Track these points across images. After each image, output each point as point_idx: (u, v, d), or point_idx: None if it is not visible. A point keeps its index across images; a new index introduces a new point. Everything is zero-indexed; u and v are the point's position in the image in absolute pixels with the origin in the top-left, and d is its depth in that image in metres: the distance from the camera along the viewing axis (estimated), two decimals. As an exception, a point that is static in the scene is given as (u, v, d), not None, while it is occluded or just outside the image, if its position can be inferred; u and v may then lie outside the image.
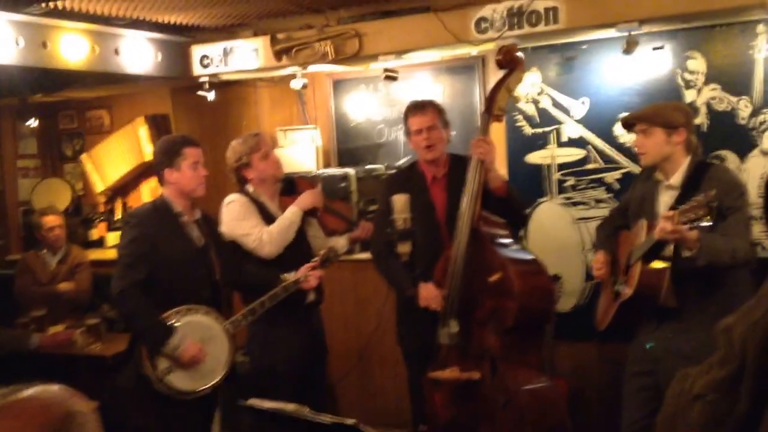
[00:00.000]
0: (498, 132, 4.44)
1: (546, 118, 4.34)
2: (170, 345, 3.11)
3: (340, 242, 3.79)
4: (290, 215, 3.61)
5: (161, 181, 3.34)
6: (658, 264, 2.88)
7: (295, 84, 4.69)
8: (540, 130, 4.36)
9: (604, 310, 3.22)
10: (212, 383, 3.25)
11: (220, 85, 4.95)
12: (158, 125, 5.49)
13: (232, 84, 5.11)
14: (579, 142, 4.26)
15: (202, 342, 3.20)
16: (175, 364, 3.15)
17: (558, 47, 4.25)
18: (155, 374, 3.15)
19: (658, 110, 3.07)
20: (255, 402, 2.15)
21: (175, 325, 3.15)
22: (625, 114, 3.27)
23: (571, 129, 4.28)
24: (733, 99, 3.87)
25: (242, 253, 3.57)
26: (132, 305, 3.14)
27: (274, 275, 3.45)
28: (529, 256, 3.35)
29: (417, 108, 3.49)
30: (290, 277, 3.44)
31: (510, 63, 3.29)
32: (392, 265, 3.49)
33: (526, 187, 4.26)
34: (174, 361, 3.15)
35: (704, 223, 2.55)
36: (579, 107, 4.26)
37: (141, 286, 3.14)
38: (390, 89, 4.92)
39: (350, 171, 4.74)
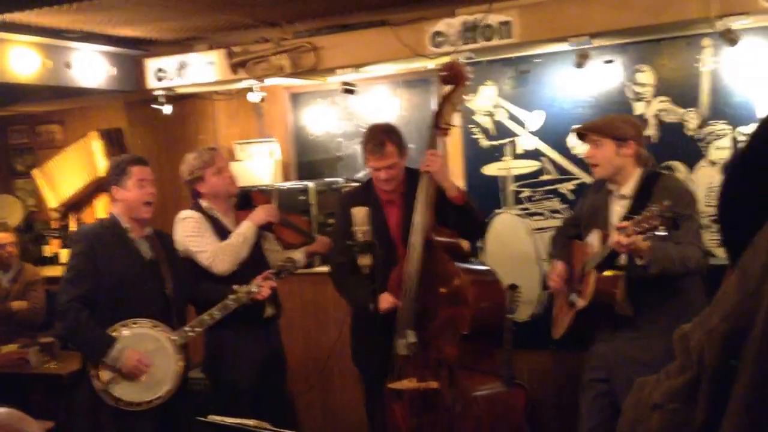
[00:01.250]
0: (455, 144, 4.47)
1: (502, 131, 4.37)
2: (111, 356, 3.13)
3: (297, 255, 3.77)
4: (244, 230, 3.58)
5: (111, 199, 3.38)
6: (611, 273, 2.89)
7: (253, 97, 4.68)
8: (496, 142, 4.39)
9: (560, 320, 3.25)
10: (160, 394, 3.24)
11: (175, 98, 4.91)
12: (112, 139, 5.42)
13: (188, 97, 5.08)
14: (534, 154, 4.30)
15: (146, 353, 3.19)
16: (118, 375, 3.16)
17: (512, 61, 4.29)
18: (101, 386, 3.16)
19: (609, 122, 3.11)
20: (214, 418, 2.09)
21: (117, 336, 3.17)
22: (578, 126, 3.27)
23: (527, 141, 4.31)
24: (681, 111, 3.94)
25: (197, 270, 3.54)
26: (73, 319, 3.14)
27: (226, 287, 3.42)
28: (483, 268, 3.39)
29: (376, 148, 3.41)
30: (243, 288, 3.41)
31: (454, 78, 3.32)
32: (351, 280, 3.46)
33: (483, 198, 4.27)
34: (116, 371, 3.15)
35: (659, 233, 2.56)
36: (534, 119, 4.29)
37: (85, 300, 3.15)
38: (348, 102, 4.92)
39: (310, 184, 4.73)
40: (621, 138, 3.01)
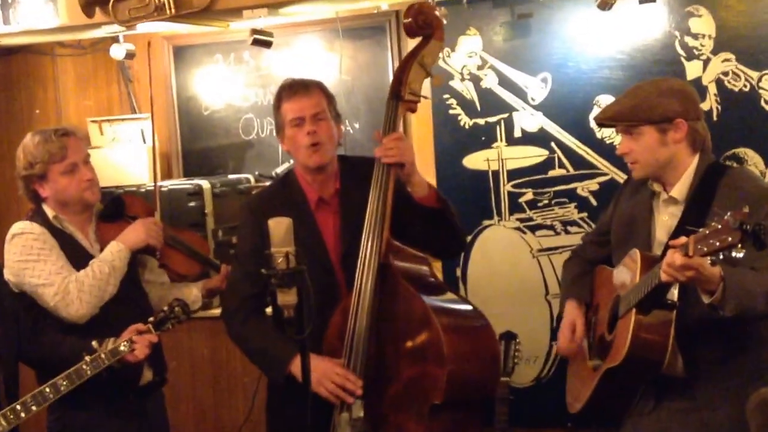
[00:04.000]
0: (422, 123, 4.47)
1: (491, 104, 4.39)
2: None
3: (193, 292, 3.74)
4: (111, 256, 3.54)
5: None
6: (657, 315, 2.90)
7: (116, 52, 4.63)
8: (482, 120, 4.41)
9: (580, 385, 3.24)
10: None
11: (-1, 53, 4.86)
12: None
13: (17, 52, 5.04)
14: (538, 138, 4.32)
15: None
16: None
17: (506, 1, 4.31)
18: None
19: (640, 102, 3.09)
20: None
21: None
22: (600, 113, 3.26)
23: (527, 119, 4.33)
24: (755, 75, 3.98)
25: (37, 313, 3.49)
26: None
27: (82, 343, 3.35)
28: (463, 306, 3.35)
29: (297, 87, 3.45)
30: (107, 344, 3.33)
31: (424, 27, 3.30)
32: (262, 334, 3.43)
33: (464, 203, 4.27)
34: None
35: (735, 254, 2.55)
36: (538, 88, 4.30)
37: None
38: (261, 61, 4.92)
39: (203, 183, 4.70)
40: (665, 119, 3.02)
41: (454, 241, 3.46)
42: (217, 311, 4.38)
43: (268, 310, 3.00)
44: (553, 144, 4.30)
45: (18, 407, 3.19)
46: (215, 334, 4.71)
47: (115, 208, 3.75)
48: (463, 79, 4.41)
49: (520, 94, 4.35)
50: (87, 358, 3.26)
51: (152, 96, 4.28)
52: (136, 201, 3.90)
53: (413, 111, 3.39)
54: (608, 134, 4.15)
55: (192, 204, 4.62)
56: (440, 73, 4.31)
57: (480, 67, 4.39)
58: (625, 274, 3.05)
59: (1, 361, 3.26)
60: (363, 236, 3.23)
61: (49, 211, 3.56)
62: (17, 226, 3.56)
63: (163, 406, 3.80)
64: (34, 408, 3.21)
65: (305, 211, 3.44)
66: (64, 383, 3.24)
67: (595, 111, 4.16)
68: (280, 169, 4.80)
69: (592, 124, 4.21)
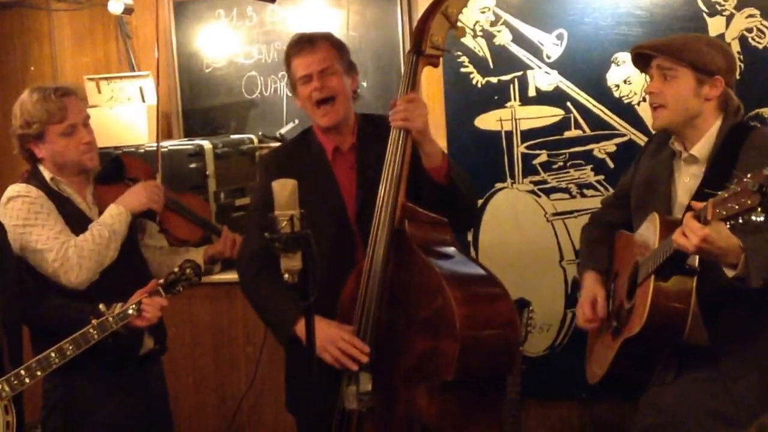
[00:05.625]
0: (433, 82, 4.45)
1: (504, 62, 4.36)
2: None
3: (196, 257, 3.71)
4: (111, 220, 3.55)
5: None
6: (678, 281, 2.88)
7: (114, 7, 4.62)
8: (495, 79, 4.38)
9: (598, 354, 3.24)
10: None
11: (-10, 7, 4.88)
12: None
13: (12, 6, 5.03)
14: (553, 98, 4.31)
15: None
16: None
17: (521, -50, 4.30)
18: None
19: (690, 44, 3.10)
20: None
21: None
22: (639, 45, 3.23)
23: (542, 77, 4.32)
24: (780, 31, 3.96)
25: (36, 278, 3.50)
26: None
27: (85, 306, 3.38)
28: (481, 273, 3.30)
29: (303, 43, 3.44)
30: (114, 308, 3.34)
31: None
32: (270, 292, 3.42)
33: (476, 165, 4.28)
34: None
35: (755, 218, 2.53)
36: (553, 44, 4.29)
37: None
38: (265, 16, 4.90)
39: (204, 144, 4.67)
40: (706, 70, 3.01)
41: (459, 218, 3.42)
42: (219, 276, 4.42)
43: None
44: (568, 103, 4.28)
45: (22, 372, 3.21)
46: (216, 300, 4.74)
47: (114, 169, 3.76)
48: (475, 36, 4.39)
49: (534, 51, 4.32)
50: (94, 321, 3.28)
51: (158, 55, 4.28)
52: (136, 162, 3.90)
53: (435, 66, 3.35)
54: (626, 93, 4.13)
55: (193, 165, 4.59)
56: (460, 27, 4.31)
57: (493, 23, 4.36)
58: (645, 238, 3.05)
59: (4, 325, 3.26)
60: (377, 199, 3.22)
61: (46, 173, 3.57)
62: (13, 189, 3.56)
63: (162, 375, 3.84)
64: (39, 373, 3.23)
65: (323, 164, 3.46)
66: (70, 348, 3.26)
67: (613, 69, 4.15)
68: (284, 129, 4.81)
69: (610, 83, 4.20)
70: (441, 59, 3.34)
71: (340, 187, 3.45)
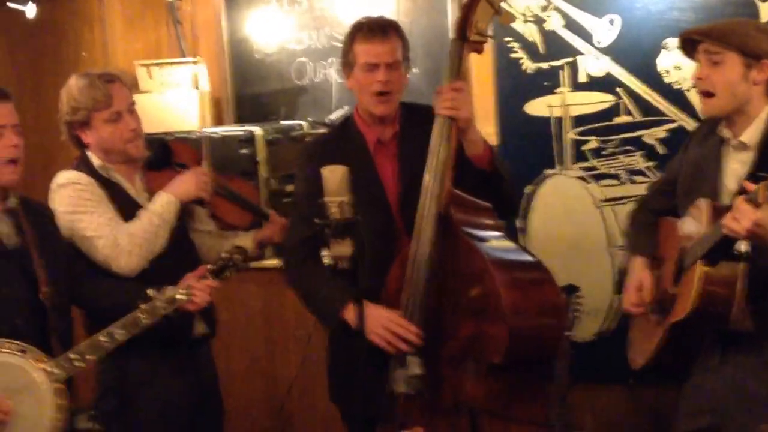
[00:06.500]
0: (482, 68, 4.46)
1: (555, 47, 4.37)
2: None
3: (246, 242, 3.76)
4: (160, 208, 3.58)
5: None
6: (725, 267, 2.90)
7: (166, -8, 4.66)
8: (546, 64, 4.39)
9: (643, 340, 3.26)
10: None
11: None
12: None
13: None
14: (605, 84, 4.30)
15: (6, 393, 3.15)
16: None
17: (573, -66, 4.30)
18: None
19: (737, 28, 3.10)
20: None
21: None
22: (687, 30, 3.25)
23: (593, 63, 4.31)
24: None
25: (87, 263, 3.55)
26: None
27: (137, 291, 3.40)
28: (527, 258, 3.36)
29: (374, 30, 3.44)
30: (164, 292, 3.38)
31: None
32: (317, 278, 3.47)
33: (526, 151, 4.31)
34: None
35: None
36: (605, 30, 4.28)
37: None
38: (316, 2, 4.91)
39: (255, 130, 4.71)
40: (754, 54, 3.01)
41: (503, 204, 3.44)
42: (267, 262, 4.45)
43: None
44: (619, 89, 4.27)
45: (72, 356, 3.24)
46: (267, 285, 4.77)
47: (163, 155, 3.79)
48: (525, 21, 4.39)
49: (585, 36, 4.32)
50: (144, 306, 3.32)
51: (202, 39, 4.28)
52: (184, 148, 3.94)
53: (479, 52, 3.37)
54: (677, 79, 4.12)
55: (243, 151, 4.63)
56: (505, 14, 4.33)
57: (544, 8, 4.36)
58: (692, 224, 3.05)
59: (54, 307, 3.31)
60: (423, 185, 3.24)
61: (95, 160, 3.61)
62: (63, 176, 3.60)
63: (211, 359, 3.87)
64: (89, 357, 3.27)
65: (364, 154, 3.48)
66: (121, 332, 3.29)
67: (664, 54, 4.13)
68: (334, 116, 4.84)
69: (660, 68, 4.18)
70: (485, 45, 3.35)
71: (381, 176, 3.48)
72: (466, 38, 3.27)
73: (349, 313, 3.27)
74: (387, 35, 3.43)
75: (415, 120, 3.47)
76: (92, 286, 3.54)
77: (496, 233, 3.33)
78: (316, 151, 3.63)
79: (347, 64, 3.50)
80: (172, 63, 5.10)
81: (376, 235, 3.41)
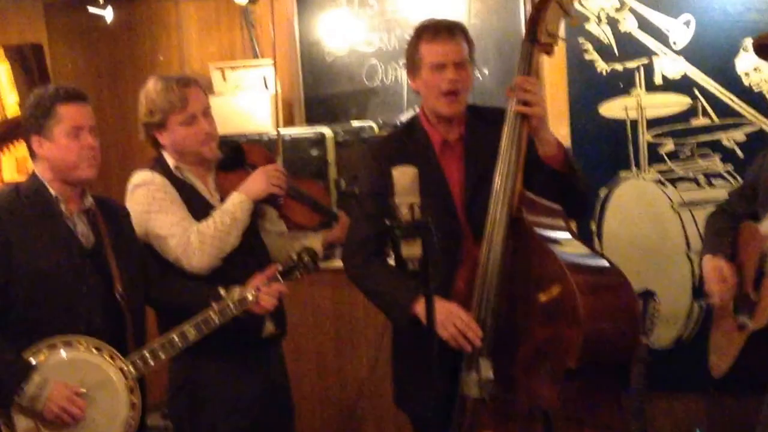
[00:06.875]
0: (555, 69, 4.45)
1: (629, 48, 4.34)
2: (27, 393, 3.13)
3: (316, 243, 3.78)
4: (233, 208, 3.60)
5: (31, 154, 3.39)
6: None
7: (240, -4, 4.69)
8: (620, 66, 4.36)
9: (723, 347, 3.23)
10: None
11: (121, -2, 4.98)
12: (27, 61, 5.48)
13: None
14: (681, 85, 4.26)
15: (82, 389, 3.20)
16: (39, 423, 3.16)
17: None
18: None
19: None
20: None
21: (37, 363, 3.17)
22: (749, 49, 3.23)
23: (669, 64, 4.28)
24: None
25: (160, 262, 3.60)
26: None
27: (207, 290, 3.47)
28: (601, 262, 3.35)
29: (440, 30, 3.44)
30: (234, 293, 3.43)
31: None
32: (385, 273, 3.48)
33: (600, 154, 4.28)
34: (36, 417, 3.15)
35: None
36: (681, 31, 4.25)
37: None
38: (386, 4, 4.93)
39: (326, 131, 4.75)
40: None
41: (574, 205, 3.42)
42: (339, 263, 4.46)
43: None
44: (696, 91, 4.23)
45: (146, 354, 3.30)
46: (337, 285, 4.79)
47: (235, 156, 3.80)
48: (600, 22, 4.36)
49: (661, 37, 4.28)
50: (215, 305, 3.37)
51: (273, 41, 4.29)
52: (256, 149, 3.95)
53: (549, 54, 3.36)
54: (757, 81, 4.07)
55: (314, 153, 4.67)
56: (575, 16, 4.31)
57: (618, 9, 4.33)
58: (772, 230, 3.02)
59: (129, 307, 3.37)
60: (493, 187, 3.23)
61: (170, 161, 3.64)
62: (139, 176, 3.64)
63: (282, 359, 3.88)
64: (162, 356, 3.33)
65: (430, 156, 3.47)
66: (193, 331, 3.35)
67: (743, 56, 4.09)
68: (404, 117, 4.80)
69: (739, 70, 4.14)
70: (557, 47, 3.34)
71: (447, 178, 3.47)
72: (536, 40, 3.27)
73: (420, 307, 3.24)
74: (453, 35, 3.43)
75: (480, 121, 3.47)
76: (165, 285, 3.58)
77: (569, 236, 3.33)
78: (381, 150, 3.65)
79: (413, 66, 3.50)
80: (245, 65, 5.14)
81: (441, 238, 3.40)
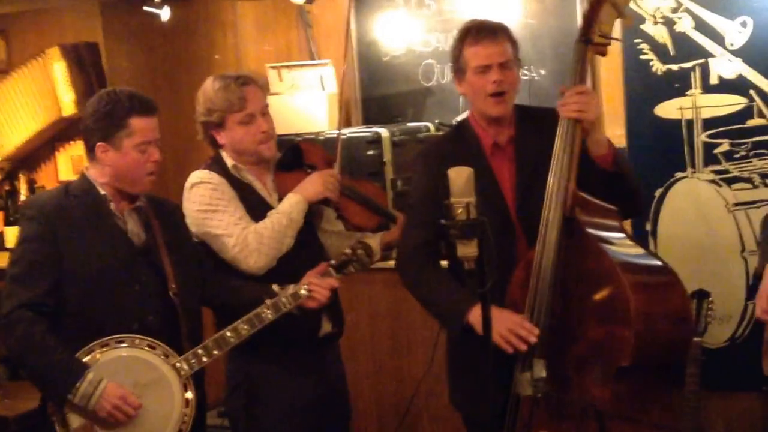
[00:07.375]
0: (611, 70, 4.44)
1: (685, 49, 4.32)
2: (81, 391, 3.15)
3: (372, 242, 3.78)
4: (289, 208, 3.63)
5: (90, 155, 3.40)
6: None
7: (297, -4, 4.72)
8: (676, 66, 4.35)
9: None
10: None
11: (178, -3, 5.04)
12: (82, 60, 5.56)
13: None
14: (737, 86, 4.24)
15: (136, 387, 3.24)
16: (93, 422, 3.19)
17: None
18: (67, 439, 3.22)
19: None
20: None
21: (90, 361, 3.20)
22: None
23: (725, 65, 4.26)
24: None
25: (216, 261, 3.64)
26: (23, 335, 3.17)
27: (261, 287, 3.51)
28: (654, 261, 3.35)
29: (483, 32, 3.46)
30: (287, 289, 3.47)
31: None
32: (439, 281, 3.50)
33: (656, 154, 4.28)
34: (90, 416, 3.18)
35: None
36: (737, 32, 4.23)
37: (41, 307, 3.19)
38: (443, 4, 4.94)
39: (382, 131, 4.77)
40: None
41: (627, 206, 3.42)
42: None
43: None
44: (752, 92, 4.21)
45: (200, 351, 3.33)
46: (394, 286, 4.68)
47: (293, 156, 3.82)
48: (655, 23, 4.36)
49: (717, 38, 4.26)
50: (267, 301, 3.39)
51: (345, 44, 4.30)
52: (314, 149, 3.95)
53: (603, 54, 3.37)
54: (813, 81, 4.07)
55: (370, 152, 4.70)
56: (629, 16, 4.31)
57: (674, 10, 4.32)
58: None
59: (183, 305, 3.39)
60: (547, 188, 3.25)
61: (228, 160, 3.67)
62: (196, 176, 3.66)
63: (339, 359, 3.90)
64: (215, 352, 3.35)
65: (480, 158, 3.47)
66: (245, 327, 3.37)
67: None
68: (461, 117, 4.79)
69: (796, 71, 4.11)
70: (612, 48, 3.35)
71: (498, 179, 3.48)
72: (589, 40, 3.27)
73: (474, 317, 3.28)
74: (496, 36, 3.43)
75: (530, 122, 3.49)
76: (220, 284, 3.60)
77: (622, 235, 3.33)
78: (432, 154, 3.65)
79: (458, 70, 3.52)
80: (301, 65, 5.18)
81: (495, 240, 3.42)
